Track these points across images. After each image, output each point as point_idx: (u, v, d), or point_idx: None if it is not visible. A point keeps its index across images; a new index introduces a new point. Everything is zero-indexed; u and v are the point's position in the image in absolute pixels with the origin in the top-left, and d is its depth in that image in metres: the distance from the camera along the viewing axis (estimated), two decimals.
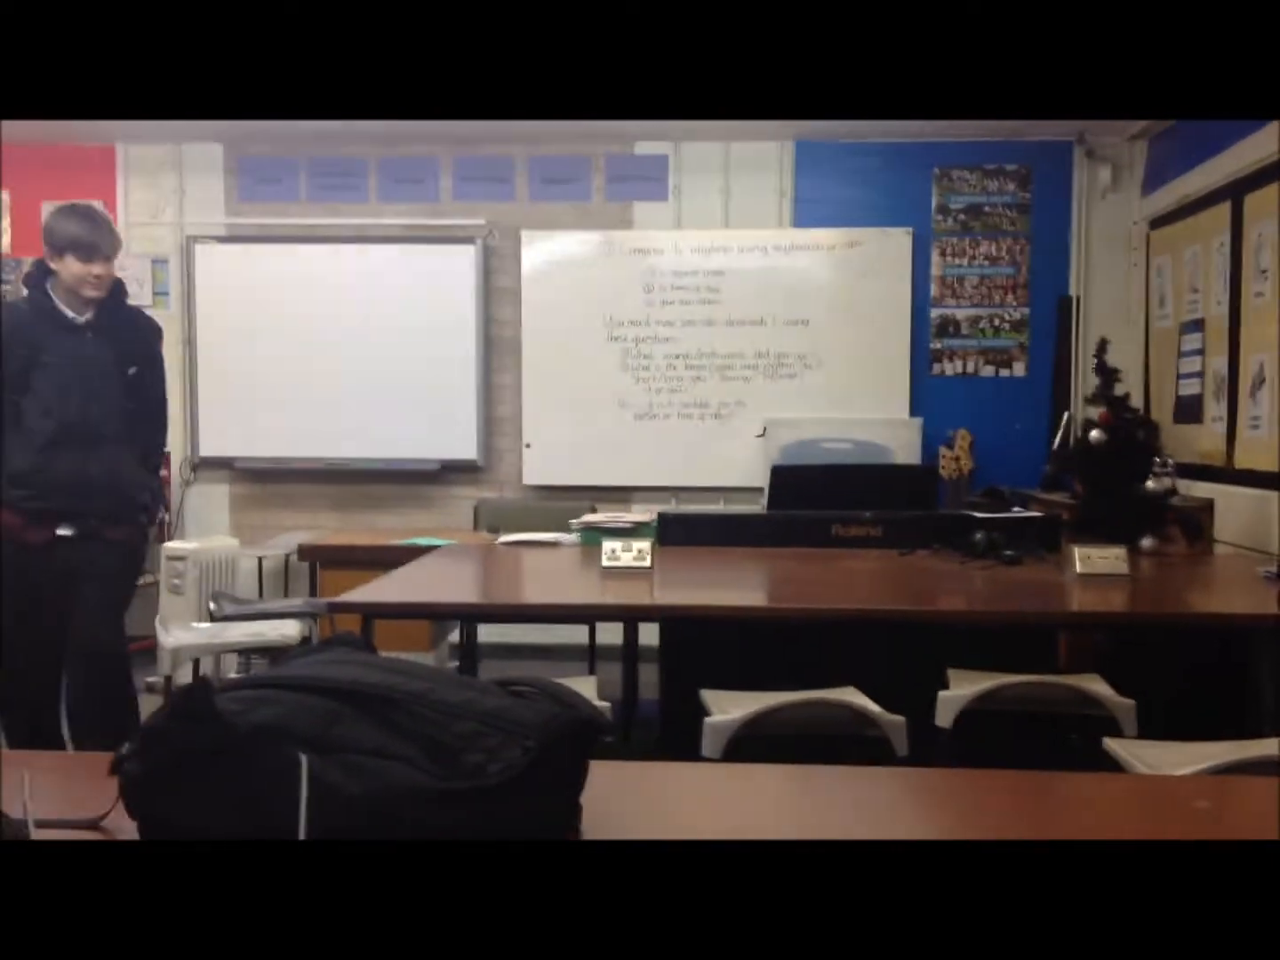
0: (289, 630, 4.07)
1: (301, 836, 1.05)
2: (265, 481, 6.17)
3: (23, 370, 3.34)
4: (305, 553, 4.84)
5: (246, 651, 4.45)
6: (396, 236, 6.05)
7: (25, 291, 3.49)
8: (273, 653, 4.08)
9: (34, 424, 3.35)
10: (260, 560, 5.91)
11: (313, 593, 4.85)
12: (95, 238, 3.38)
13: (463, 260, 6.00)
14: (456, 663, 4.80)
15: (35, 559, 3.39)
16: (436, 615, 3.93)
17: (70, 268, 3.37)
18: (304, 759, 1.07)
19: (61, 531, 3.40)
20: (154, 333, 3.66)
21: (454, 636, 4.85)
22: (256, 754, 1.11)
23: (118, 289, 3.50)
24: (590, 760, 1.30)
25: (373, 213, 6.08)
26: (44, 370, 3.36)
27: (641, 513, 4.72)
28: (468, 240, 6.01)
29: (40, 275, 3.44)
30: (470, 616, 3.80)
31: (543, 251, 5.97)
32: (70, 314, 3.42)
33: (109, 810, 1.15)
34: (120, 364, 3.48)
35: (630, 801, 1.38)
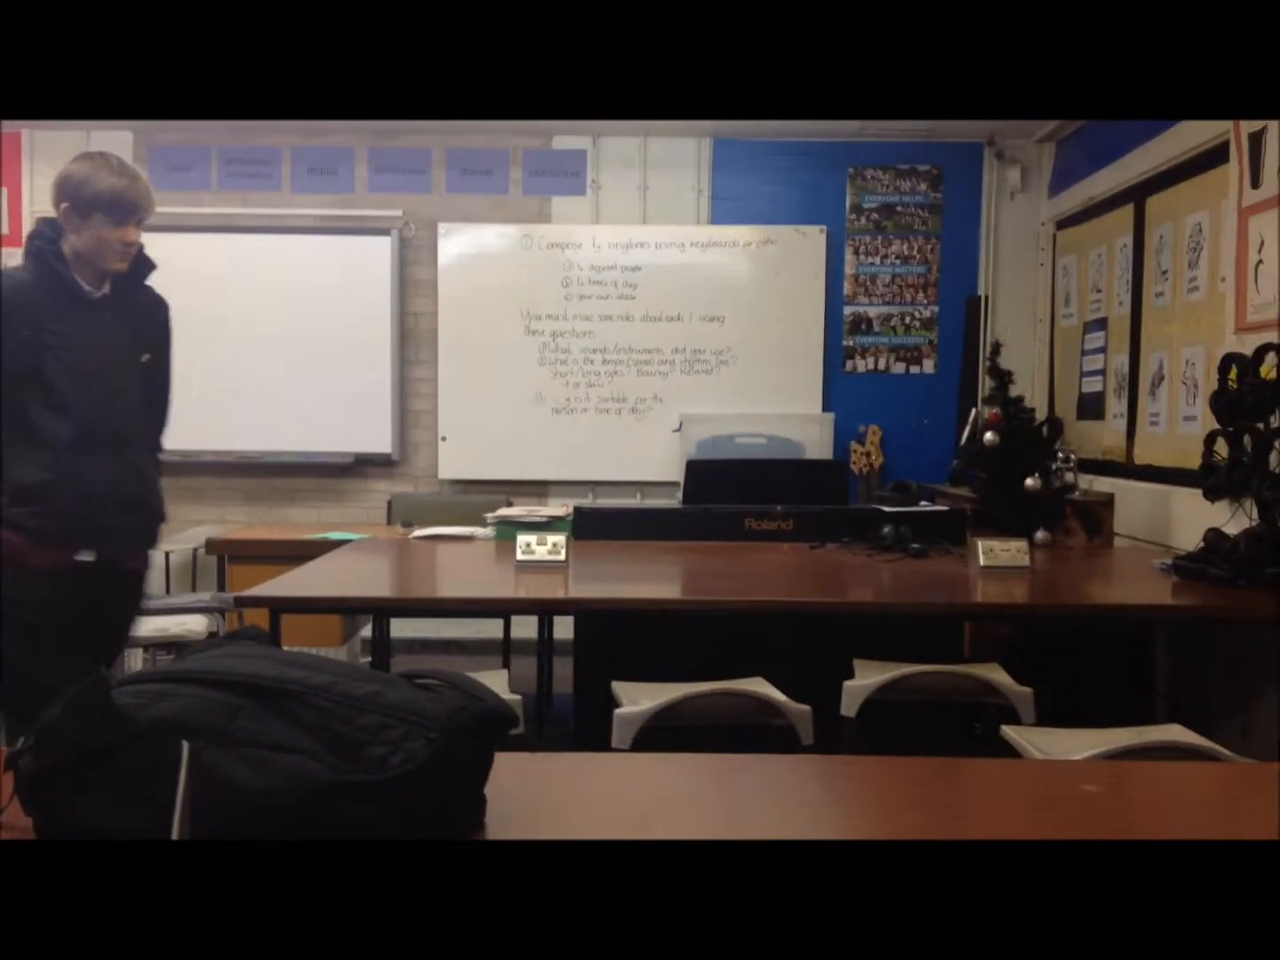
0: (195, 625, 4.01)
1: (175, 831, 1.04)
2: (174, 475, 6.04)
3: (28, 357, 2.62)
4: (214, 546, 4.76)
5: (151, 647, 4.37)
6: (311, 227, 5.97)
7: (23, 259, 2.72)
8: (178, 648, 4.01)
9: (45, 423, 2.63)
10: (167, 555, 5.80)
11: (221, 588, 4.77)
12: (135, 196, 2.71)
13: (378, 252, 5.94)
14: (369, 658, 4.77)
15: (37, 586, 2.60)
16: (347, 610, 3.90)
17: (97, 231, 2.68)
18: (185, 747, 1.06)
19: (82, 557, 2.67)
20: (168, 314, 3.03)
21: (366, 632, 4.82)
22: (155, 749, 1.10)
23: (140, 260, 2.84)
24: (497, 752, 1.32)
25: (286, 203, 6.00)
26: (56, 357, 2.66)
27: (558, 507, 4.73)
28: (383, 232, 5.96)
29: (52, 238, 2.71)
30: (381, 611, 3.77)
31: (460, 244, 5.94)
32: (86, 287, 2.74)
33: (3, 807, 1.13)
34: (134, 349, 2.87)
35: (536, 792, 1.40)
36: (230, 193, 5.99)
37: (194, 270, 5.84)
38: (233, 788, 1.10)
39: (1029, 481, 4.22)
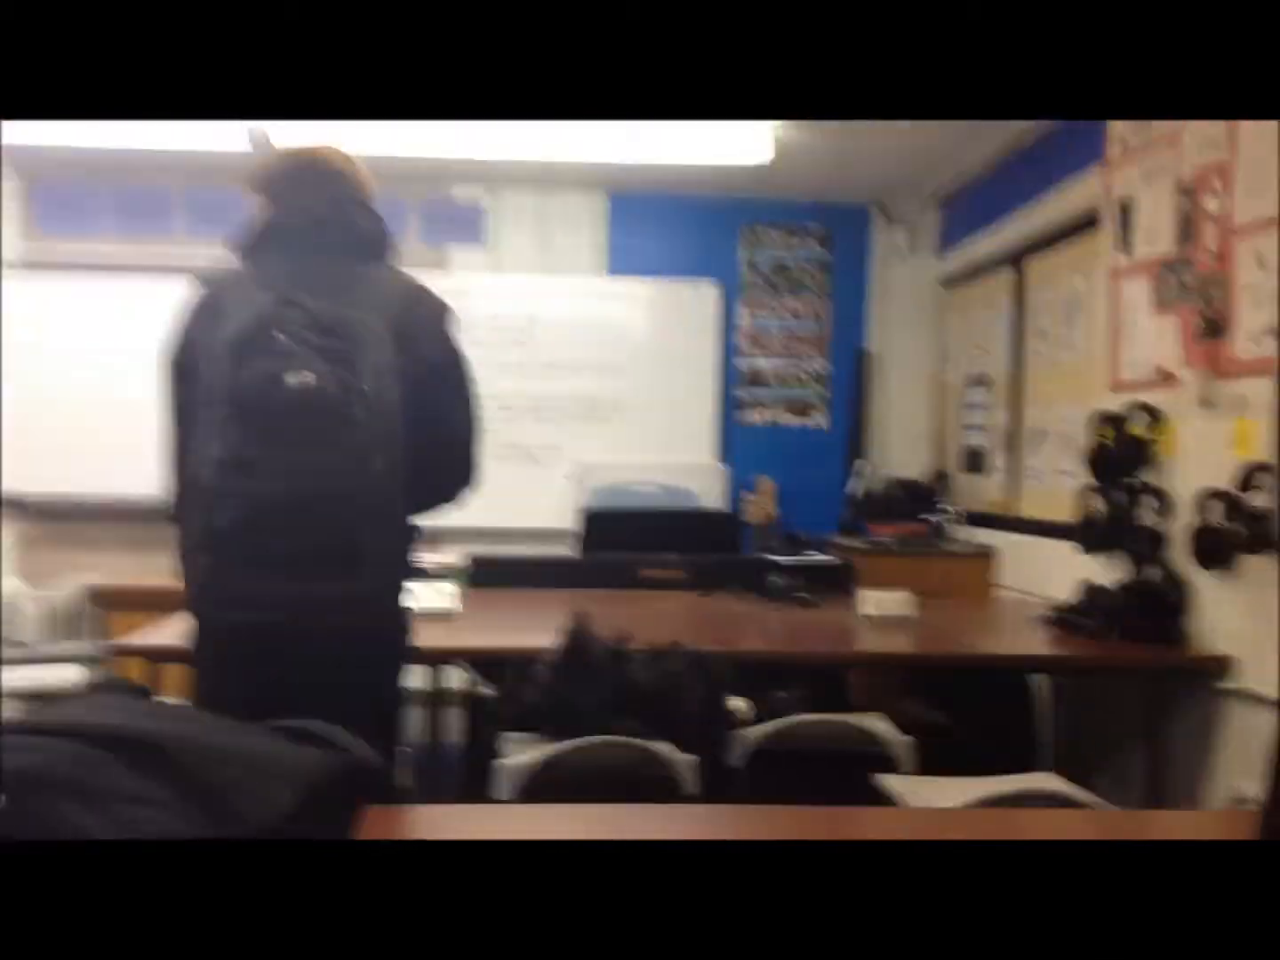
0: (72, 676, 3.90)
1: None
2: (59, 520, 5.87)
3: None
4: (97, 595, 4.64)
5: (27, 698, 4.23)
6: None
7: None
8: (49, 699, 3.88)
9: None
10: (49, 602, 5.61)
11: (103, 637, 4.64)
12: None
13: None
14: None
15: None
16: None
17: None
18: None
19: None
20: None
21: None
22: (14, 802, 1.08)
23: None
24: (369, 803, 1.31)
25: (180, 244, 5.90)
26: None
27: (451, 554, 4.70)
28: None
29: None
30: None
31: None
32: None
33: None
34: None
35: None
36: (123, 235, 5.89)
37: (86, 312, 5.73)
38: (89, 841, 1.08)
39: None
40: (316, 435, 1.84)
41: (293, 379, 1.82)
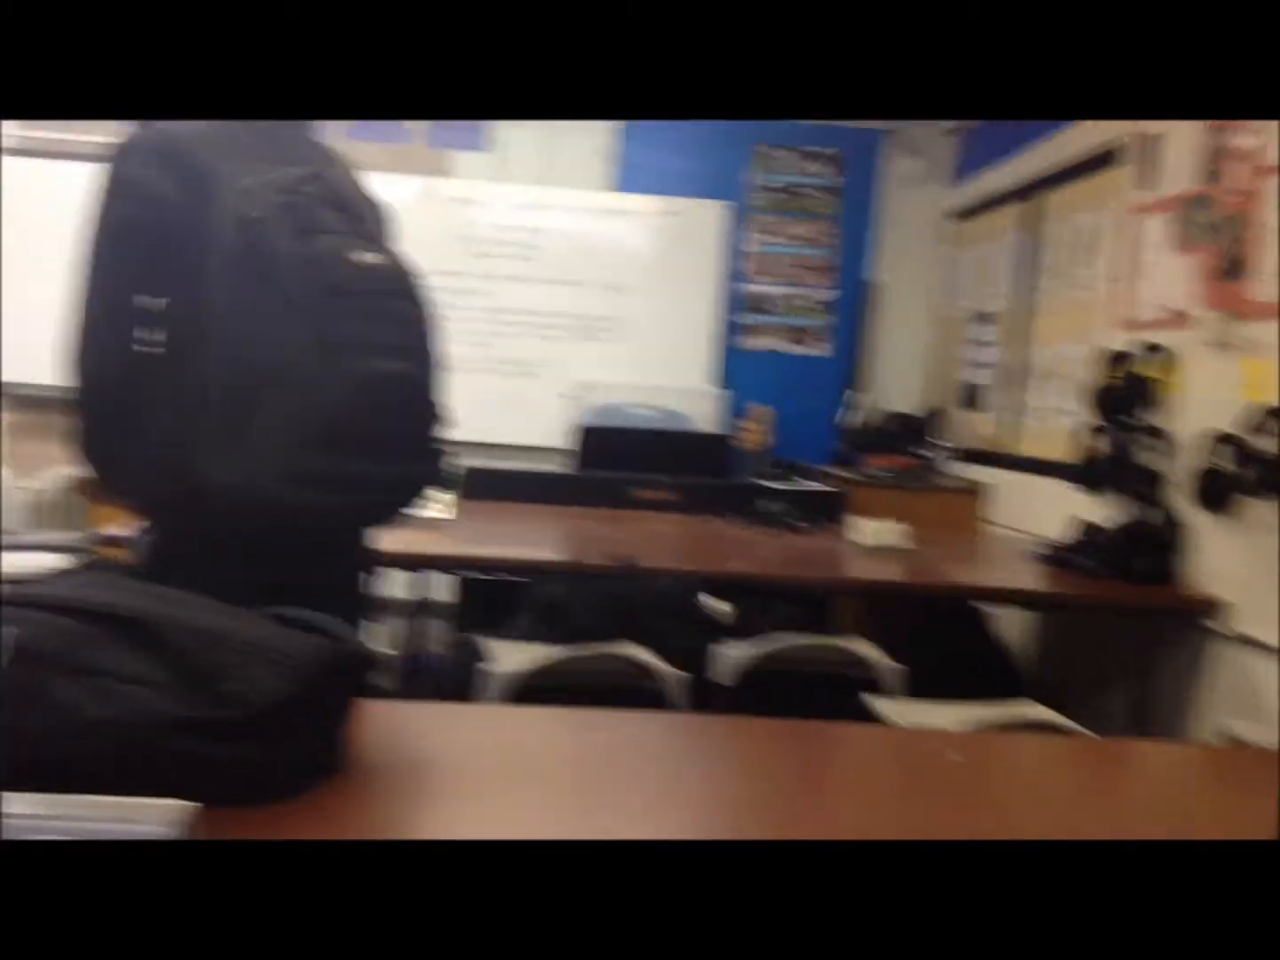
0: (57, 564, 3.86)
1: None
2: (47, 410, 5.81)
3: None
4: (82, 486, 4.59)
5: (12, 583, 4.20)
6: None
7: None
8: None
9: None
10: (35, 493, 5.58)
11: (87, 529, 4.60)
12: None
13: None
14: None
15: None
16: None
17: None
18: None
19: None
20: None
21: None
22: (4, 676, 1.05)
23: None
24: (359, 697, 1.28)
25: None
26: None
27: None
28: None
29: None
30: None
31: None
32: None
33: None
34: None
35: (401, 740, 1.37)
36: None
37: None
38: (77, 717, 1.06)
39: None
40: (394, 314, 1.71)
41: (360, 257, 1.67)
